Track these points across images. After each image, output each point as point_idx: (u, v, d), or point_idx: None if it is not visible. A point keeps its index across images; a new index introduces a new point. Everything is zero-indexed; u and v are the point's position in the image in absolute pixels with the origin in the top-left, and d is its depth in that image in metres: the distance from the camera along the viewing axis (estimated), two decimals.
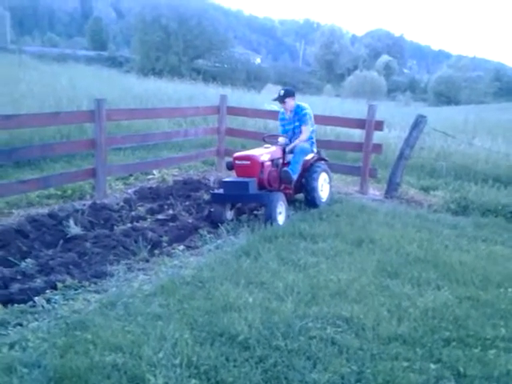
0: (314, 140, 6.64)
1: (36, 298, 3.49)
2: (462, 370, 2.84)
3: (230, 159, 5.99)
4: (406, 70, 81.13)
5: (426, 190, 7.72)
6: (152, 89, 13.92)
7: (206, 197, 6.49)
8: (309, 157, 6.35)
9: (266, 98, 15.34)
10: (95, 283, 3.88)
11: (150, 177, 7.44)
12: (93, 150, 6.22)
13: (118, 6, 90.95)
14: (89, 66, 25.23)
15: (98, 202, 5.85)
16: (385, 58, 66.42)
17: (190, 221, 5.51)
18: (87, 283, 3.84)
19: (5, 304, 3.36)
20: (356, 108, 16.27)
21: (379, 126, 7.27)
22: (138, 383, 2.59)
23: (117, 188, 6.77)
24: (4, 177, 6.34)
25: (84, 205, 5.73)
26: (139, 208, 5.93)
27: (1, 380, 2.53)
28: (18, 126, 5.84)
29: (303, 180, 6.14)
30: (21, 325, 3.16)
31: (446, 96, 53.05)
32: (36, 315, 3.31)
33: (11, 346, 2.87)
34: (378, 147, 7.30)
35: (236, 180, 5.54)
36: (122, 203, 6.01)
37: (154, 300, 3.56)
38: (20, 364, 2.67)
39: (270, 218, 5.28)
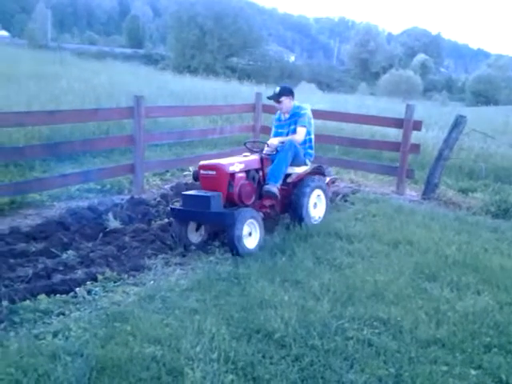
0: (310, 151, 5.49)
1: (77, 289, 3.58)
2: (504, 377, 2.77)
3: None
4: (442, 69, 79.27)
5: (464, 191, 7.53)
6: (188, 86, 14.05)
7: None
8: (300, 169, 5.33)
9: (299, 97, 15.33)
10: (134, 276, 3.96)
11: (186, 173, 7.53)
12: (131, 145, 6.35)
13: (155, 4, 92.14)
14: (126, 64, 25.68)
15: (135, 196, 5.97)
16: (421, 56, 65.09)
17: None
18: (126, 276, 3.92)
19: (48, 294, 3.46)
20: (392, 107, 16.03)
21: (417, 125, 7.14)
22: (177, 376, 2.63)
23: (154, 183, 6.89)
24: (47, 171, 6.54)
25: (122, 199, 5.85)
26: (176, 204, 6.01)
27: (46, 367, 2.61)
28: (60, 121, 6.01)
29: (292, 197, 5.15)
30: (63, 314, 3.25)
31: (485, 96, 51.58)
32: (77, 305, 3.40)
33: (55, 335, 2.96)
34: (415, 147, 7.18)
35: (196, 194, 4.49)
36: (158, 198, 6.11)
37: (190, 294, 3.60)
38: (63, 352, 2.76)
39: (232, 242, 4.33)
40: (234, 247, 4.35)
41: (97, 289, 3.66)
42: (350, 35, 78.93)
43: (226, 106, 8.98)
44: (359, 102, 16.71)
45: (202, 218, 4.52)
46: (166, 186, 6.79)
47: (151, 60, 45.26)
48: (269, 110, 8.72)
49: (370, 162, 8.13)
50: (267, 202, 5.08)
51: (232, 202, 4.68)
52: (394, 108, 14.50)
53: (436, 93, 52.90)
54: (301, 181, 5.23)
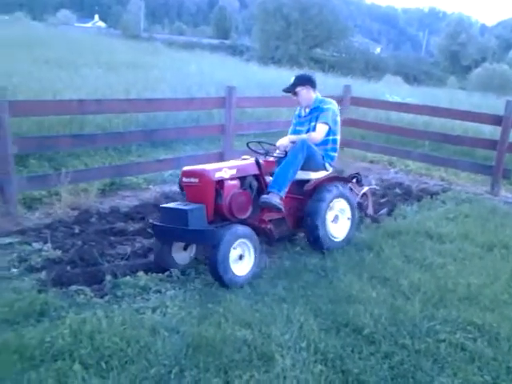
0: (332, 153, 4.55)
1: (172, 269, 3.76)
2: None
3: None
4: None
5: None
6: (273, 77, 14.15)
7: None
8: (317, 174, 4.42)
9: (385, 89, 14.89)
10: None
11: None
12: (221, 135, 6.52)
13: None
14: (213, 54, 26.29)
15: None
16: None
17: None
18: None
19: (146, 271, 3.67)
20: (485, 103, 15.11)
21: None
22: (267, 361, 2.70)
23: None
24: (142, 155, 6.92)
25: None
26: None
27: (147, 339, 2.79)
28: (158, 109, 6.31)
29: (304, 209, 4.29)
30: (160, 292, 3.43)
31: None
32: (173, 284, 3.57)
33: (153, 310, 3.14)
34: None
35: (173, 207, 3.68)
36: None
37: (278, 283, 3.67)
38: (161, 327, 2.93)
39: (213, 268, 3.51)
40: (215, 275, 3.52)
41: (190, 270, 3.83)
42: (440, 27, 75.13)
43: None
44: (450, 97, 15.90)
45: (180, 236, 3.67)
46: None
47: (236, 51, 45.94)
48: (356, 102, 8.62)
49: (462, 159, 7.75)
50: (268, 216, 4.14)
51: (222, 217, 3.83)
52: (488, 104, 13.67)
53: None
54: (316, 189, 4.35)
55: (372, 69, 44.74)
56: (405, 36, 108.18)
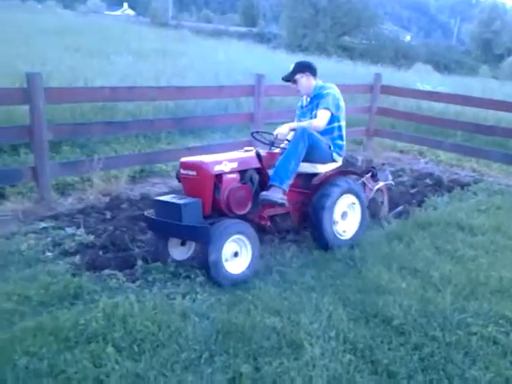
0: (340, 142, 4.27)
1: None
2: None
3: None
4: None
5: None
6: None
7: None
8: (325, 167, 4.17)
9: (415, 78, 14.62)
10: None
11: None
12: (249, 122, 6.51)
13: None
14: (241, 42, 26.20)
15: None
16: None
17: None
18: None
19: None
20: None
21: None
22: (296, 349, 2.71)
23: None
24: (171, 143, 6.98)
25: None
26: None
27: (177, 324, 2.83)
28: (188, 96, 6.33)
29: (311, 205, 4.04)
30: (189, 278, 3.47)
31: None
32: (202, 271, 3.59)
33: (183, 296, 3.18)
34: None
35: (168, 200, 3.48)
36: None
37: (306, 272, 3.67)
38: (192, 313, 2.97)
39: (205, 266, 3.40)
40: (208, 273, 3.38)
41: None
42: (472, 14, 73.08)
43: (341, 85, 8.76)
44: (482, 86, 15.50)
45: (173, 231, 3.50)
46: None
47: (264, 39, 45.67)
48: (387, 91, 8.48)
49: (494, 150, 7.57)
50: (269, 212, 3.98)
51: (220, 212, 3.64)
52: None
53: None
54: (322, 183, 4.08)
55: (402, 57, 43.91)
56: (436, 23, 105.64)
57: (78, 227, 4.25)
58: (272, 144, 4.14)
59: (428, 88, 11.29)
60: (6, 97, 4.65)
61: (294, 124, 4.15)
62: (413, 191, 6.02)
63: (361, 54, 31.59)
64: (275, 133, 4.08)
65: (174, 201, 3.42)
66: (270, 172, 3.88)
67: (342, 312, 3.09)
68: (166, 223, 3.44)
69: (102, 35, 17.22)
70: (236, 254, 3.50)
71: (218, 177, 3.57)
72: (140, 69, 9.72)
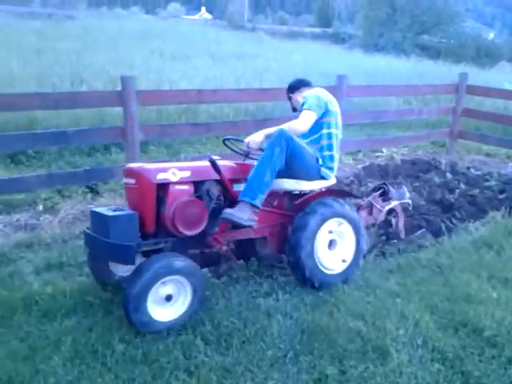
0: (329, 152, 3.52)
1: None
2: None
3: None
4: None
5: None
6: (381, 65, 13.72)
7: (438, 180, 6.24)
8: (311, 185, 3.46)
9: (501, 77, 13.80)
10: None
11: (378, 154, 7.45)
12: None
13: None
14: (316, 43, 26.09)
15: None
16: None
17: (422, 203, 5.35)
18: None
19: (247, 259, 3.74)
20: None
21: None
22: (382, 354, 2.67)
23: (346, 163, 6.97)
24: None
25: None
26: (368, 184, 6.00)
27: (263, 322, 2.89)
28: (271, 98, 6.29)
29: (288, 232, 3.33)
30: (271, 277, 3.52)
31: None
32: (283, 270, 3.63)
33: (267, 295, 3.24)
34: None
35: (99, 212, 2.90)
36: (351, 177, 6.18)
37: (390, 277, 3.61)
38: (276, 312, 3.01)
39: (124, 304, 2.70)
40: (125, 312, 2.72)
41: None
42: None
43: (425, 86, 8.51)
44: None
45: (99, 249, 2.95)
46: (358, 166, 6.82)
47: (338, 39, 45.14)
48: (473, 91, 8.10)
49: None
50: (228, 236, 3.33)
51: (165, 231, 3.00)
52: None
53: None
54: (305, 205, 3.36)
55: (484, 55, 41.66)
56: None
57: None
58: (247, 154, 3.56)
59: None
60: (102, 99, 4.95)
61: (271, 129, 3.49)
62: (501, 197, 5.71)
63: (441, 53, 30.30)
64: (246, 140, 3.47)
65: (105, 212, 2.86)
66: (238, 187, 3.25)
67: (429, 320, 3.01)
68: (96, 239, 2.89)
69: (182, 39, 17.83)
70: (168, 298, 2.84)
71: (163, 187, 2.96)
72: (220, 71, 9.97)
